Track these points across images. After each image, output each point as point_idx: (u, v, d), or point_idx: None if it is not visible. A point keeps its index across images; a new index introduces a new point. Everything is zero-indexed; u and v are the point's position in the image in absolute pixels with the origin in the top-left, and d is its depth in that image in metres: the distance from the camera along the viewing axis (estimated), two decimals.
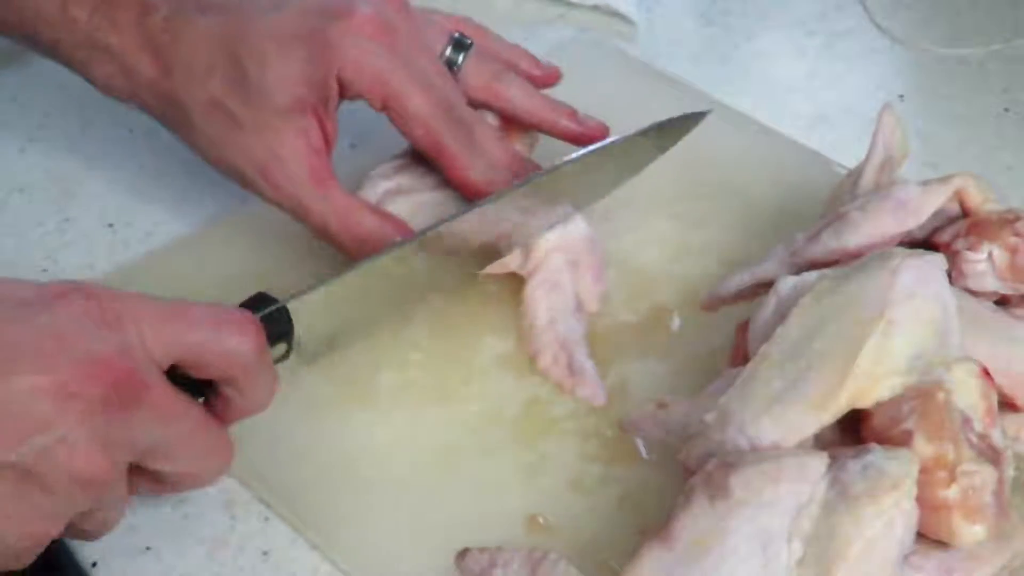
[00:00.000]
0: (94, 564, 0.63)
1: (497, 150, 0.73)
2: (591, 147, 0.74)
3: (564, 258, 0.72)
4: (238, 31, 0.71)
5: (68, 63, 0.75)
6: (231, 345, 0.59)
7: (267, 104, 0.70)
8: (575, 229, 0.73)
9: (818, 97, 0.90)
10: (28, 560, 0.56)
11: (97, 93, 0.76)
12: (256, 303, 0.63)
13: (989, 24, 0.95)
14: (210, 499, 0.65)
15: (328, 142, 0.72)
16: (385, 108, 0.71)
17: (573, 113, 0.77)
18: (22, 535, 0.54)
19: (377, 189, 0.74)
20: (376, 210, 0.73)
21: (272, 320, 0.63)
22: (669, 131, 0.75)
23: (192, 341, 0.58)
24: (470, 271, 0.73)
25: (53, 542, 0.60)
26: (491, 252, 0.72)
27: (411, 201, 0.74)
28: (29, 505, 0.54)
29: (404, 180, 0.75)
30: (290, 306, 0.64)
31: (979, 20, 0.96)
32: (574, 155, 0.73)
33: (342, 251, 0.72)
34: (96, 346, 0.54)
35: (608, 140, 0.75)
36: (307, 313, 0.64)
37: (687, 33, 0.90)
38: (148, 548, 0.63)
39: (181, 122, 0.73)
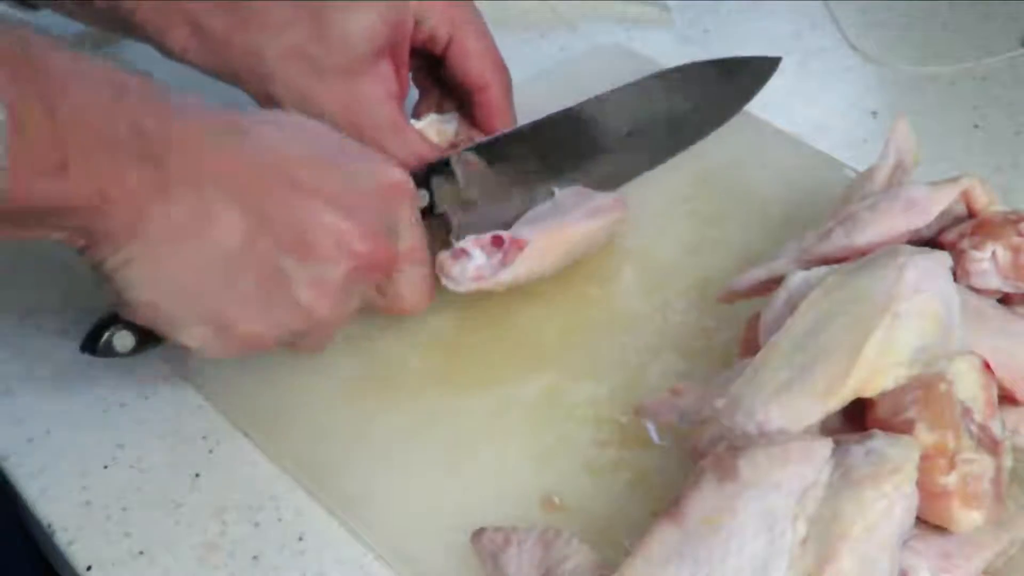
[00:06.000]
0: (88, 568, 0.64)
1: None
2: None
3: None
4: None
5: (144, 33, 0.75)
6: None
7: (350, 50, 0.73)
8: None
9: (793, 114, 0.90)
10: (233, 352, 0.64)
11: None
12: None
13: (959, 44, 0.97)
14: (202, 505, 0.66)
15: (402, 88, 0.76)
16: (448, 44, 0.76)
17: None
18: (258, 327, 0.62)
19: None
20: (447, 151, 0.76)
21: None
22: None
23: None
24: None
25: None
26: None
27: None
28: (269, 307, 0.62)
29: None
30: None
31: (949, 40, 0.97)
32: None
33: None
34: (380, 222, 0.65)
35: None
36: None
37: (666, 52, 0.91)
38: (141, 552, 0.64)
39: (257, 73, 0.74)
